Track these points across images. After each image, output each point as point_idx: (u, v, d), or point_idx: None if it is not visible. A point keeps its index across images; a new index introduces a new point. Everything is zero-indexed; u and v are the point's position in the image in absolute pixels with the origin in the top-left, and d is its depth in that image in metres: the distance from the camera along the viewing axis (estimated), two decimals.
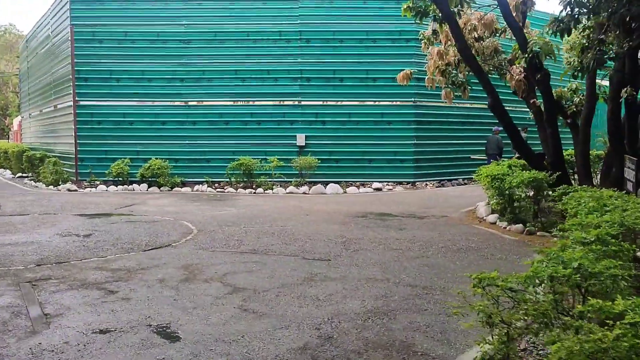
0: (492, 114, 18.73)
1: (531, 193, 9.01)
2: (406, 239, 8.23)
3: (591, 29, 9.20)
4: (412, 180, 16.54)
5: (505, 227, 9.20)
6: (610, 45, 7.19)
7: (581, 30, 10.66)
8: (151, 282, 5.85)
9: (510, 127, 9.97)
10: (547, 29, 8.83)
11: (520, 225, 8.88)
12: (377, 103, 16.64)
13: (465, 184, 17.35)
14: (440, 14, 10.44)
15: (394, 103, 16.62)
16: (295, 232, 8.88)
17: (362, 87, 16.52)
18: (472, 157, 17.34)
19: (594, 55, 7.17)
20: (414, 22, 16.31)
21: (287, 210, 11.72)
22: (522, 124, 15.98)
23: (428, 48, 12.54)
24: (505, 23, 12.39)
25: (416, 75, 15.85)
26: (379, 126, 16.53)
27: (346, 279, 5.92)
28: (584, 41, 7.63)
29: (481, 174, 11.07)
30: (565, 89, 11.65)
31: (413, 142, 16.50)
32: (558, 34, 8.72)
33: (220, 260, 6.89)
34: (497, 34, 12.32)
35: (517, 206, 9.35)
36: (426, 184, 16.76)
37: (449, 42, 11.55)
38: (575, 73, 7.99)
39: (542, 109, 10.98)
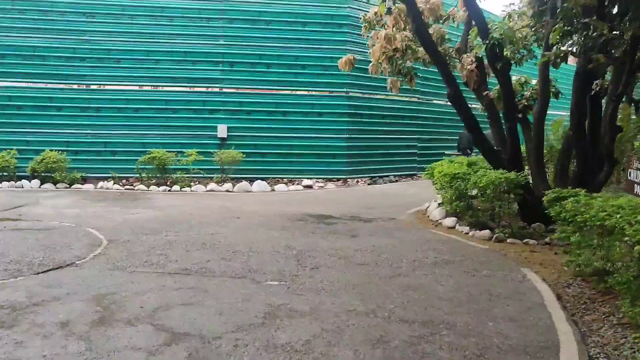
0: (426, 109, 18.28)
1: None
2: (367, 250, 6.98)
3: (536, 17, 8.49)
4: (344, 176, 15.40)
5: (468, 233, 8.24)
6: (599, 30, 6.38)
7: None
8: (49, 329, 4.11)
9: (470, 121, 9.04)
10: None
11: (487, 231, 7.95)
12: (307, 92, 15.31)
13: (397, 180, 16.52)
14: None
15: (326, 93, 15.37)
16: (231, 242, 7.33)
17: (291, 75, 15.09)
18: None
19: (580, 41, 6.31)
20: (347, 6, 15.37)
21: (213, 212, 10.08)
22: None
23: (369, 32, 11.41)
24: (449, 9, 11.66)
25: None
26: (309, 118, 15.21)
27: (320, 313, 4.54)
28: (563, 25, 6.77)
29: (433, 172, 10.12)
30: (514, 82, 10.99)
31: (345, 135, 15.35)
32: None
33: (145, 287, 5.23)
34: (441, 21, 11.42)
35: (480, 209, 8.43)
36: (357, 181, 15.70)
37: (397, 26, 10.47)
38: (558, 60, 7.15)
39: (494, 102, 10.25)
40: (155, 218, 9.24)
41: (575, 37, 6.42)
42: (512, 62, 9.39)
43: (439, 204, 10.31)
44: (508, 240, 7.64)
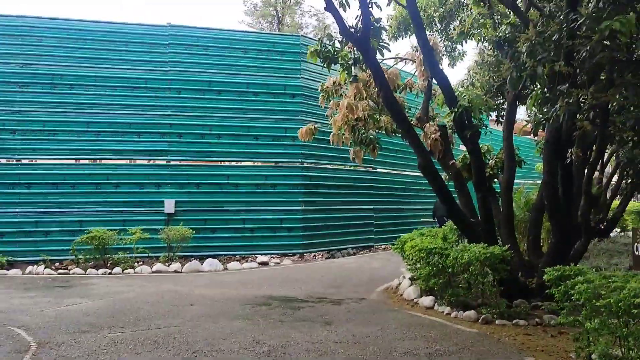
0: (383, 179, 17.95)
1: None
2: (348, 342, 6.11)
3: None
4: (300, 251, 14.54)
5: (450, 314, 7.54)
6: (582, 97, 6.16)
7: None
8: None
9: (444, 191, 8.57)
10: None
11: (472, 312, 7.28)
12: (259, 164, 14.64)
13: (355, 253, 15.79)
14: (357, 59, 8.93)
15: (279, 164, 14.74)
16: (189, 339, 6.28)
17: (243, 146, 14.42)
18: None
19: (563, 107, 6.03)
20: (299, 76, 15.11)
21: (162, 298, 8.94)
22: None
23: (328, 102, 11.05)
24: (404, 80, 11.53)
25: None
26: (262, 190, 14.45)
27: None
28: (540, 93, 6.53)
29: (403, 246, 9.50)
30: None
31: (301, 207, 14.64)
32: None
33: None
34: (398, 90, 11.23)
35: (461, 287, 7.80)
36: (315, 255, 14.86)
37: (358, 95, 10.13)
38: (540, 128, 6.87)
39: (460, 171, 9.92)
40: (95, 310, 8.01)
41: (558, 104, 6.12)
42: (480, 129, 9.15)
43: (410, 280, 9.63)
44: (497, 322, 6.99)
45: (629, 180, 13.33)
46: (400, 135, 11.57)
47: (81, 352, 5.76)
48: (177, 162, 14.09)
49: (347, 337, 6.31)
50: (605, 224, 14.05)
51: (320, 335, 6.44)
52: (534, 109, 6.88)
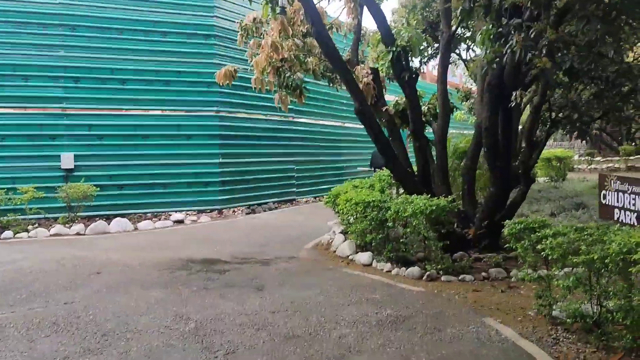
0: (305, 129, 17.06)
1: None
2: (287, 311, 5.37)
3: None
4: (219, 207, 13.52)
5: (391, 271, 7.01)
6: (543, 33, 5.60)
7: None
8: None
9: (380, 139, 7.90)
10: None
11: (416, 269, 6.77)
12: (171, 112, 13.23)
13: (277, 207, 15.02)
14: None
15: (194, 113, 13.42)
16: (97, 317, 5.25)
17: (152, 92, 12.92)
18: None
19: (521, 44, 5.44)
20: (213, 15, 13.67)
21: (62, 267, 7.70)
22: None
23: (248, 40, 9.93)
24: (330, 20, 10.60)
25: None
26: (176, 141, 13.14)
27: None
28: (492, 28, 5.91)
29: (335, 198, 8.82)
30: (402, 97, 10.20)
31: (218, 160, 13.52)
32: None
33: None
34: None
35: (403, 242, 7.26)
36: (234, 211, 13.92)
37: (283, 33, 9.08)
38: (494, 66, 6.30)
39: (394, 118, 9.32)
40: None
41: (514, 39, 5.52)
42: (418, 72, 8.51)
43: (342, 234, 9.03)
44: (442, 278, 6.53)
45: (547, 127, 13.41)
46: (327, 80, 10.79)
47: None
48: (75, 111, 12.37)
49: (285, 305, 5.56)
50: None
51: (253, 304, 5.64)
52: (482, 46, 6.26)
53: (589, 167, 25.15)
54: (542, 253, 4.40)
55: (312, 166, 16.94)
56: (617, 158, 25.72)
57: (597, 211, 10.23)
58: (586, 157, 26.00)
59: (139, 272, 7.26)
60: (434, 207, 6.36)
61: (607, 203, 5.38)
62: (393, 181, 10.96)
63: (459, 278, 6.47)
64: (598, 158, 26.14)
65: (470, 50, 15.65)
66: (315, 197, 16.97)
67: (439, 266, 6.64)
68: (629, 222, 4.97)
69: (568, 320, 4.40)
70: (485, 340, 4.43)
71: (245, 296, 5.94)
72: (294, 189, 16.19)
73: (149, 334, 4.71)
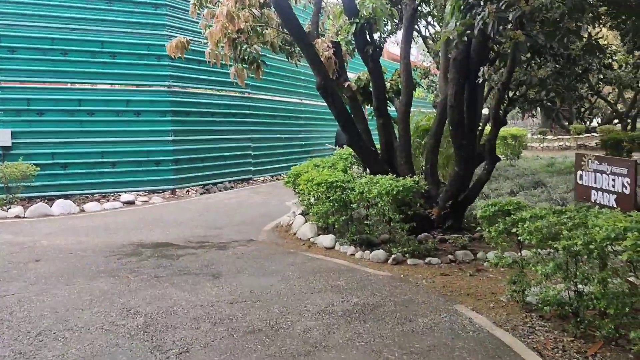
0: (262, 105, 16.46)
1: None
2: (246, 302, 4.96)
3: None
4: (171, 186, 12.89)
5: (355, 254, 6.68)
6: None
7: None
8: None
9: (343, 116, 7.51)
10: None
11: (380, 252, 6.46)
12: (119, 87, 12.42)
13: (232, 187, 14.50)
14: None
15: (144, 87, 12.66)
16: (32, 313, 4.70)
17: (97, 65, 12.07)
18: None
19: (494, 15, 5.13)
20: None
21: None
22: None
23: (201, 10, 9.27)
24: None
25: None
26: (124, 117, 12.37)
27: None
28: None
29: (296, 178, 8.42)
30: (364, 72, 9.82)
31: (171, 138, 12.84)
32: None
33: None
34: None
35: (367, 224, 6.94)
36: (188, 191, 13.33)
37: (239, 3, 8.48)
38: (465, 39, 5.96)
39: (356, 94, 8.94)
40: None
41: (486, 10, 5.19)
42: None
43: (302, 215, 8.66)
44: (408, 262, 6.26)
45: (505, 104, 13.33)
46: (285, 53, 10.26)
47: None
48: (11, 84, 11.43)
49: (244, 295, 5.15)
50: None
51: (209, 294, 5.21)
52: (451, 18, 5.92)
53: (541, 146, 25.61)
54: (520, 237, 4.14)
55: (269, 144, 16.43)
56: (568, 137, 26.32)
57: (559, 190, 10.37)
58: (539, 136, 26.42)
59: (83, 260, 6.68)
60: (401, 188, 6.05)
61: (583, 184, 5.19)
62: (354, 160, 10.67)
63: (425, 261, 6.21)
64: (550, 137, 26.62)
65: (430, 27, 15.38)
66: (272, 176, 16.51)
67: (405, 249, 6.36)
68: (607, 204, 4.79)
69: (544, 307, 4.17)
70: (459, 330, 4.17)
71: (201, 285, 5.50)
72: (251, 168, 15.66)
73: (91, 332, 4.22)
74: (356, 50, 8.28)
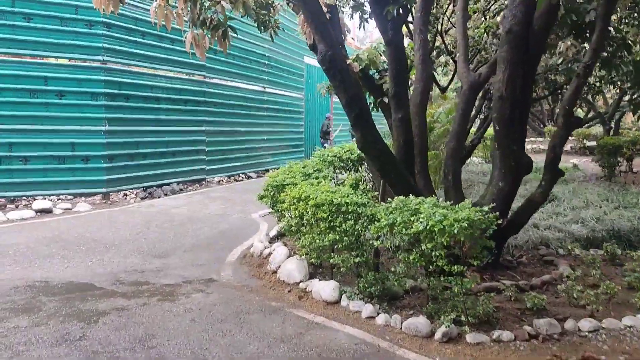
0: (220, 92, 13.74)
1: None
2: None
3: None
4: (104, 190, 10.15)
5: (374, 318, 4.36)
6: None
7: None
8: None
9: (357, 104, 5.08)
10: None
11: (421, 320, 4.15)
12: (35, 59, 9.58)
13: (182, 190, 11.88)
14: None
15: (68, 62, 9.87)
16: None
17: (5, 29, 9.21)
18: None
19: None
20: None
21: None
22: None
23: None
24: None
25: (107, 20, 9.74)
26: (42, 99, 9.55)
27: None
28: None
29: (277, 192, 6.03)
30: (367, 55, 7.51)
31: (104, 127, 10.10)
32: None
33: None
34: None
35: (393, 272, 4.62)
36: (126, 195, 10.65)
37: None
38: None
39: (358, 79, 6.61)
40: None
41: None
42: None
43: (282, 243, 6.28)
44: (468, 338, 3.99)
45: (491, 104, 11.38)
46: (257, 22, 7.76)
47: None
48: None
49: None
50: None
51: None
52: None
53: None
54: None
55: (226, 138, 13.84)
56: (542, 139, 24.99)
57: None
58: None
59: None
60: (465, 224, 3.74)
61: None
62: (342, 164, 8.38)
63: (493, 337, 3.97)
64: None
65: None
66: (229, 177, 13.98)
67: (456, 314, 4.09)
68: None
69: None
70: None
71: None
72: (204, 167, 13.05)
73: None
74: (371, 14, 5.94)
